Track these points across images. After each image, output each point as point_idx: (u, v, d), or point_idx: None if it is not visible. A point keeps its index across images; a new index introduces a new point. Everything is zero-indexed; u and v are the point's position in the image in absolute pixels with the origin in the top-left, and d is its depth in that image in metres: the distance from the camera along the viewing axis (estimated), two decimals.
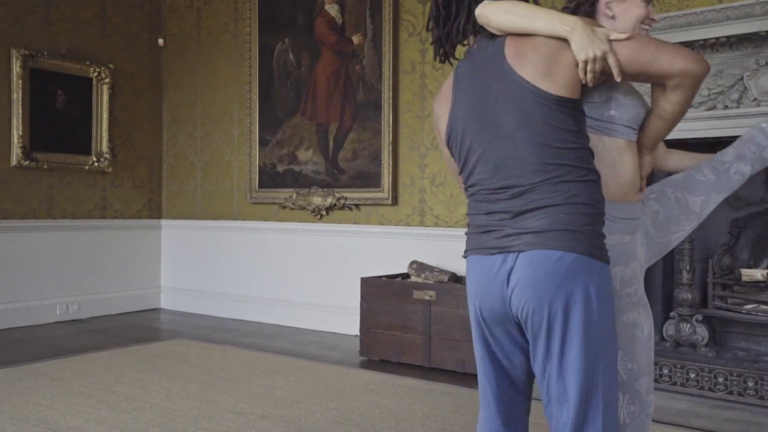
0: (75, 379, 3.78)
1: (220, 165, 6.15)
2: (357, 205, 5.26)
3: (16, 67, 5.34)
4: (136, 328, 5.51)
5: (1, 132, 5.34)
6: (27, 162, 5.44)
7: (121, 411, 3.22)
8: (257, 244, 5.86)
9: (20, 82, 5.36)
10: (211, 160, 6.22)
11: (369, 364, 4.27)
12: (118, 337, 5.09)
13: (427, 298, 4.13)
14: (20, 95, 5.36)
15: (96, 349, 4.62)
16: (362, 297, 4.43)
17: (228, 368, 4.07)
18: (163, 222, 6.55)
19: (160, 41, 6.40)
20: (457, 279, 4.57)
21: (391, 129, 5.03)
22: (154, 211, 6.50)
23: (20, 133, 5.38)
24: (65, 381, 3.73)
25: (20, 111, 5.37)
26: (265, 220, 5.82)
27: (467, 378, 3.91)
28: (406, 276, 4.65)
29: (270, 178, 5.74)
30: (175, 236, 6.49)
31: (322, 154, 5.45)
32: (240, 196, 5.99)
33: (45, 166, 5.57)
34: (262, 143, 5.78)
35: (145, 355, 4.42)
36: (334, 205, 5.33)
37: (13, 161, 5.39)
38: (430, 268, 4.52)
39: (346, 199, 5.28)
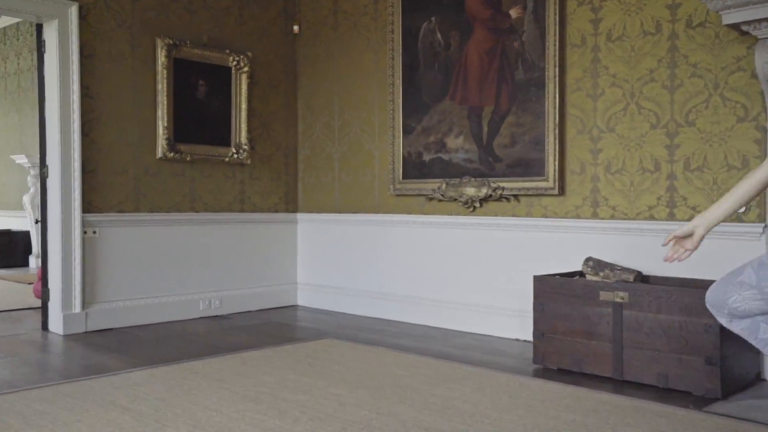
0: (236, 380, 3.54)
1: (359, 155, 5.85)
2: (516, 196, 4.79)
3: (161, 57, 5.24)
4: (279, 326, 5.30)
5: (147, 124, 5.26)
6: (171, 154, 5.34)
7: (295, 420, 2.92)
8: (400, 238, 5.52)
9: (165, 72, 5.26)
10: (349, 151, 5.93)
11: (547, 374, 3.80)
12: (264, 335, 4.88)
13: (618, 300, 3.61)
14: (165, 86, 5.26)
15: (246, 347, 4.41)
16: (535, 298, 3.96)
17: (392, 373, 3.72)
18: (299, 216, 6.34)
19: (295, 28, 6.18)
20: (643, 278, 4.01)
21: (556, 110, 4.52)
22: (290, 204, 6.30)
23: (165, 125, 5.28)
24: (227, 382, 3.50)
25: (165, 102, 5.27)
26: (409, 213, 5.45)
27: (672, 395, 3.37)
28: (580, 274, 4.14)
29: (415, 168, 5.37)
30: (311, 230, 6.27)
31: (474, 140, 5.01)
32: (381, 187, 5.66)
33: (188, 158, 5.46)
34: (406, 131, 5.42)
35: (298, 355, 4.16)
36: (490, 196, 4.88)
37: (159, 153, 5.30)
38: (611, 266, 3.99)
39: (503, 189, 4.82)
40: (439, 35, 5.22)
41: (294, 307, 6.22)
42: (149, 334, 4.87)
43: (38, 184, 9.68)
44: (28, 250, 9.87)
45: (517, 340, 4.67)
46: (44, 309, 4.98)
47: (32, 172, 9.57)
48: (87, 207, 4.94)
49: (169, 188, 5.41)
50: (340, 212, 6.00)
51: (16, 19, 10.03)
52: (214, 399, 3.22)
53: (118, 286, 5.12)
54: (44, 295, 4.97)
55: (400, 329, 5.14)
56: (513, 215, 4.82)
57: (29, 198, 9.59)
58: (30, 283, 7.66)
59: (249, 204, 5.98)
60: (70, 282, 4.86)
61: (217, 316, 5.66)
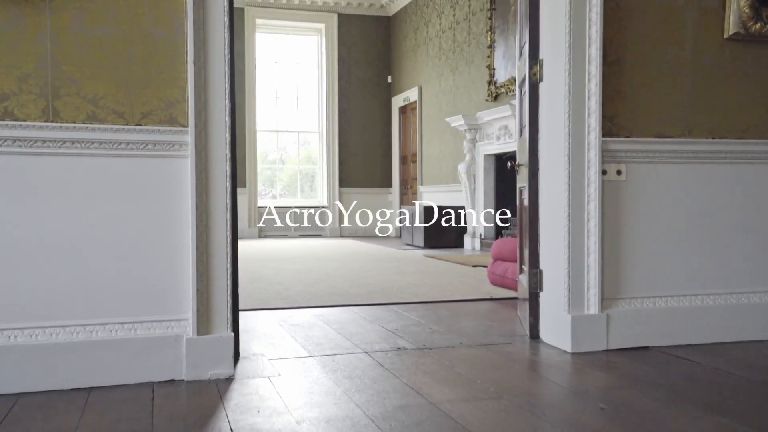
0: None
1: None
2: None
3: None
4: None
5: None
6: (756, 26, 2.82)
7: None
8: None
9: None
10: None
11: None
12: None
13: None
14: None
15: None
16: None
17: None
18: None
19: None
20: None
21: None
22: None
23: None
24: None
25: None
26: None
27: None
28: None
29: None
30: None
31: None
32: None
33: None
34: None
35: None
36: None
37: (729, 28, 2.85)
38: None
39: None
40: None
41: None
42: (737, 369, 2.45)
43: (474, 150, 8.28)
44: (463, 229, 8.56)
45: None
46: (533, 304, 2.98)
47: (468, 136, 8.19)
48: (608, 128, 2.78)
49: (738, 95, 2.92)
50: None
51: None
52: None
53: (655, 272, 2.85)
54: (533, 280, 2.97)
55: None
56: None
57: (465, 167, 8.23)
58: (475, 266, 6.07)
59: None
60: (581, 261, 2.75)
61: None
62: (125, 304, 2.26)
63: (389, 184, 11.38)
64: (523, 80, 3.26)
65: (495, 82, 7.79)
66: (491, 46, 7.86)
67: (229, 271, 2.36)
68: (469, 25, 8.51)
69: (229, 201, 2.36)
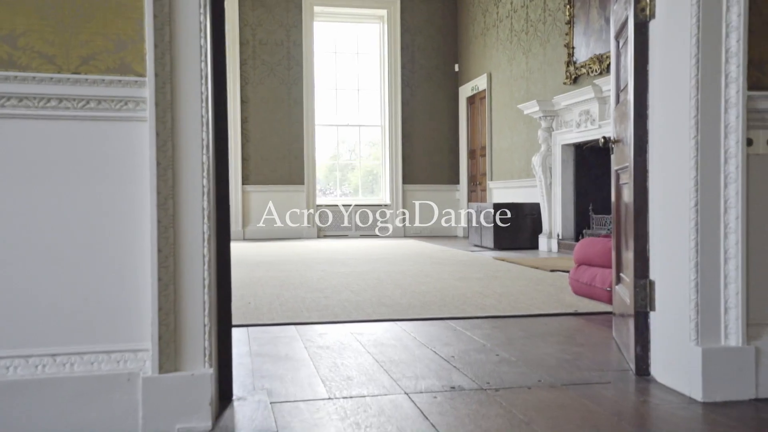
0: None
1: None
2: None
3: None
4: None
5: None
6: None
7: None
8: None
9: None
10: None
11: None
12: None
13: None
14: None
15: None
16: None
17: None
18: None
19: None
20: None
21: None
22: None
23: None
24: None
25: None
26: None
27: None
28: None
29: None
30: None
31: None
32: None
33: None
34: None
35: None
36: None
37: None
38: None
39: None
40: None
41: None
42: None
43: (550, 140, 7.39)
44: (537, 229, 7.68)
45: None
46: (640, 328, 2.16)
47: (543, 124, 7.30)
48: (755, 78, 1.94)
49: None
50: None
51: None
52: None
53: None
54: (640, 295, 2.15)
55: None
56: None
57: (540, 159, 7.34)
58: (553, 270, 5.22)
59: None
60: (715, 271, 1.92)
61: None
62: (57, 329, 1.61)
63: (456, 181, 10.57)
64: (622, 27, 2.44)
65: (574, 63, 6.88)
66: (570, 22, 6.95)
67: (208, 282, 1.67)
68: (543, 0, 7.62)
69: (207, 182, 1.67)
